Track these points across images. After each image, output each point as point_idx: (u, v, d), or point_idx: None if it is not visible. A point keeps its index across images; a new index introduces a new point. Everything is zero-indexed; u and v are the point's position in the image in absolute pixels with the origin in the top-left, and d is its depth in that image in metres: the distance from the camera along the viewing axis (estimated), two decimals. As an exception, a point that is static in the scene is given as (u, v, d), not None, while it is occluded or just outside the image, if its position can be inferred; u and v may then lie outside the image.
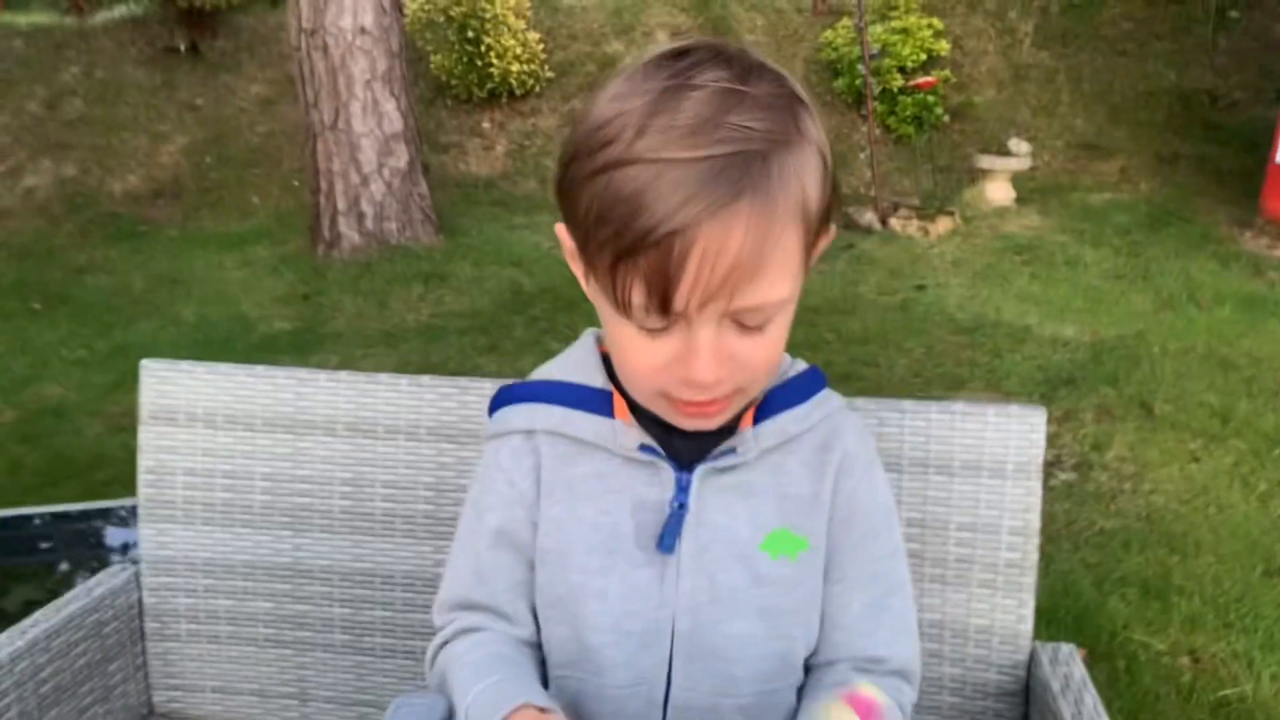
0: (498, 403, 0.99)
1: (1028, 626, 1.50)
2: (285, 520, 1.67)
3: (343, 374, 1.64)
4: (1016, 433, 1.46)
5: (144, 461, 1.69)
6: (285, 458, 1.66)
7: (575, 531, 0.90)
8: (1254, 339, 4.49)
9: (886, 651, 0.91)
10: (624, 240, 0.75)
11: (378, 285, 5.88)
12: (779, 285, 0.78)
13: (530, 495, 0.93)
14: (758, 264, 0.75)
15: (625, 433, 0.90)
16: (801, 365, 0.97)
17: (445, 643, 0.95)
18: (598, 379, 0.94)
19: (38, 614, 1.56)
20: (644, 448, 0.90)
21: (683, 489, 0.89)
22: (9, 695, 1.46)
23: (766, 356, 0.82)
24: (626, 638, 0.88)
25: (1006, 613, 1.49)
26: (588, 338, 0.98)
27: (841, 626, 0.92)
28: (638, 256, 0.75)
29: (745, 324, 0.79)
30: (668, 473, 0.89)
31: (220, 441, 1.68)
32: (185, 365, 1.69)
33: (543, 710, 0.80)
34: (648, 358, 0.81)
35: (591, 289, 0.85)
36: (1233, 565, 2.83)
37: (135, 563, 1.73)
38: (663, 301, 0.76)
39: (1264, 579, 2.77)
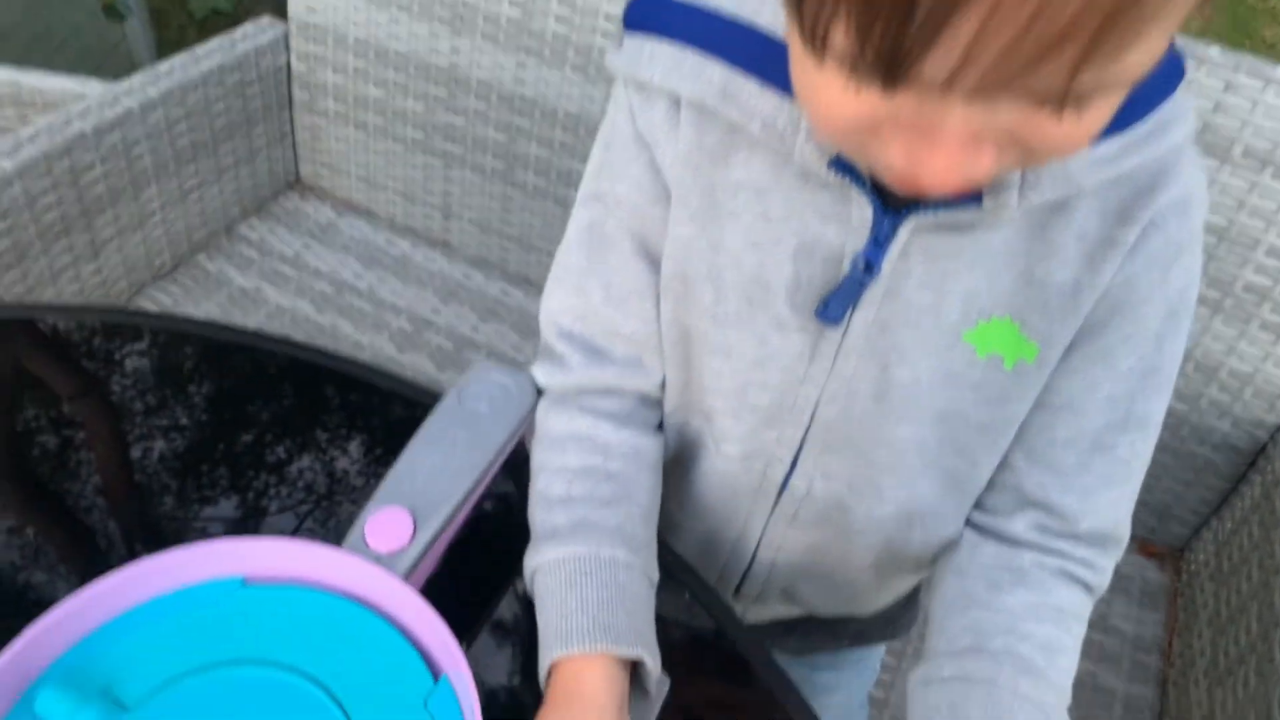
0: (637, 18, 0.59)
1: (1299, 389, 1.19)
2: (446, 16, 1.41)
3: None
4: None
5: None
6: (454, -62, 1.36)
7: (706, 261, 0.60)
8: None
9: (1081, 506, 0.61)
10: None
11: None
12: (1155, 44, 0.37)
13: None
14: (1138, 7, 0.34)
15: (814, 131, 0.54)
16: None
17: (548, 389, 0.68)
18: None
19: (174, 60, 1.41)
20: (836, 163, 0.54)
21: (879, 242, 0.56)
22: (140, 145, 1.37)
23: (1072, 146, 0.43)
24: (748, 411, 0.64)
25: (1280, 366, 1.17)
26: None
27: (1032, 454, 0.62)
28: None
29: (1059, 99, 0.38)
30: (863, 210, 0.55)
31: (382, -101, 1.38)
32: None
33: (632, 661, 0.57)
34: (840, 114, 0.43)
35: None
36: None
37: (283, 21, 1.53)
38: (891, 60, 0.37)
39: None
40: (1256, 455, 1.24)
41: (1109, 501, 0.62)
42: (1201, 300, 1.17)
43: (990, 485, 0.65)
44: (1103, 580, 0.63)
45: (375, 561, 0.56)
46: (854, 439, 0.63)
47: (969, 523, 0.66)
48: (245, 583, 0.57)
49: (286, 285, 1.51)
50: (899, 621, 0.92)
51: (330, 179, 1.67)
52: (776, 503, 0.68)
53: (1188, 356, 1.22)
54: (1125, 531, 0.63)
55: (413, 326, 1.49)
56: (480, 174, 1.53)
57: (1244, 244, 1.12)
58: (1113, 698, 1.19)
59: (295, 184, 1.70)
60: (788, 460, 0.65)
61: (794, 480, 0.66)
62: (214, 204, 1.54)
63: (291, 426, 0.74)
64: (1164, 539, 1.36)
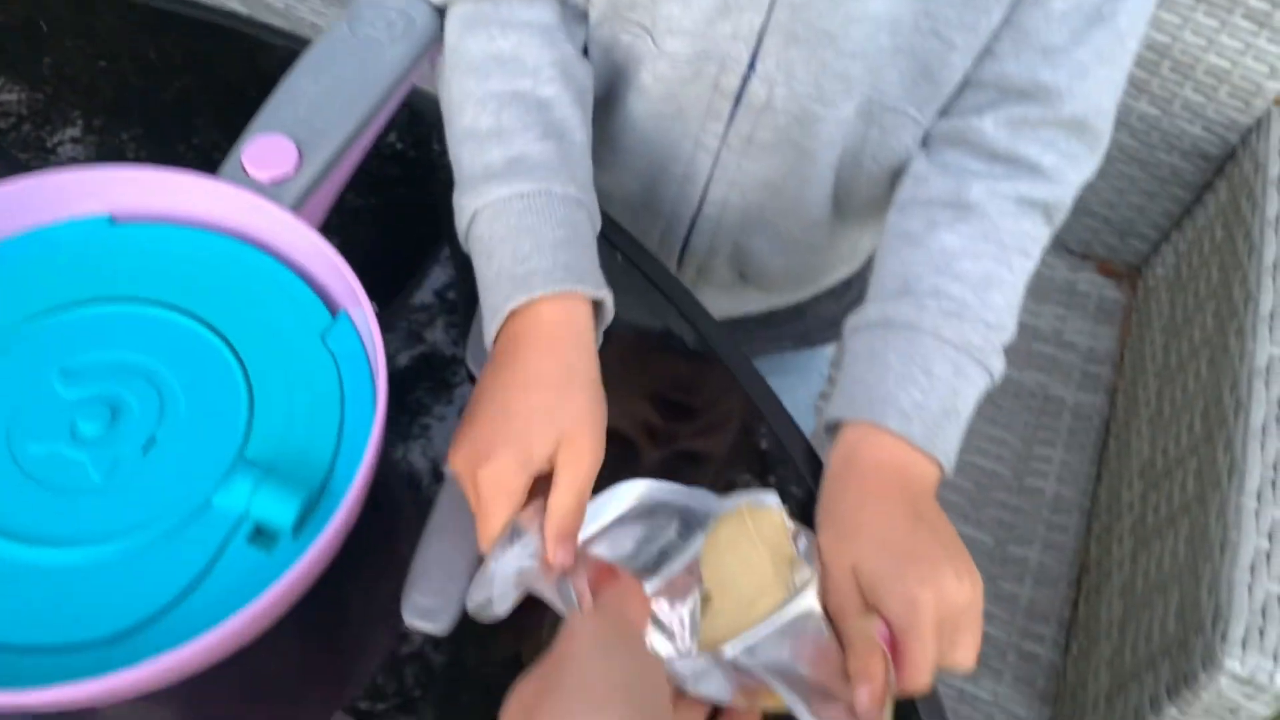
0: None
1: (1278, 85, 1.12)
2: None
3: None
4: None
5: None
6: None
7: None
8: None
9: (1070, 84, 0.55)
10: None
11: None
12: None
13: None
14: None
15: None
16: None
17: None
18: None
19: None
20: None
21: None
22: None
23: None
24: None
25: (1260, 60, 1.11)
26: None
27: (1021, 36, 0.56)
28: None
29: None
30: None
31: None
32: None
33: (595, 302, 0.52)
34: None
35: None
36: None
37: None
38: None
39: None
40: (1225, 161, 1.19)
41: (1098, 82, 0.56)
42: (1184, -13, 1.09)
43: (965, 84, 0.59)
44: (1063, 196, 0.58)
45: (257, 191, 0.49)
46: (821, 24, 0.56)
47: (928, 146, 0.61)
48: (113, 221, 0.51)
49: None
50: (842, 323, 0.89)
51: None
52: (730, 121, 0.61)
53: (1164, 55, 1.15)
54: (1106, 128, 0.59)
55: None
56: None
57: (1236, -84, 1.02)
58: (1062, 406, 1.19)
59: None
60: (745, 60, 0.58)
61: (752, 86, 0.59)
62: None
63: (170, 70, 0.66)
64: (1123, 257, 1.34)
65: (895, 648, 0.45)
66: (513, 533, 0.46)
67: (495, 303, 0.51)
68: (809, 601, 0.46)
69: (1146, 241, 1.31)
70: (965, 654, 0.46)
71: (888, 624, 0.45)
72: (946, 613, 0.45)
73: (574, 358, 0.50)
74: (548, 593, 0.46)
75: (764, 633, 0.45)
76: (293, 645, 0.47)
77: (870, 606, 0.46)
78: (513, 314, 0.50)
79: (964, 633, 0.46)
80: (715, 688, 0.42)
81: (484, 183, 0.53)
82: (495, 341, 0.51)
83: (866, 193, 0.65)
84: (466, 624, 0.46)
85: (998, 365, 0.55)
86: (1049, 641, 1.04)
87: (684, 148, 0.64)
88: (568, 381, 0.49)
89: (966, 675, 0.46)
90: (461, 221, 0.54)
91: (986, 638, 1.08)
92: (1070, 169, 0.58)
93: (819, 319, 0.87)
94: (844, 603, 0.47)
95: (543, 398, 0.48)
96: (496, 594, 0.46)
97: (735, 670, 0.42)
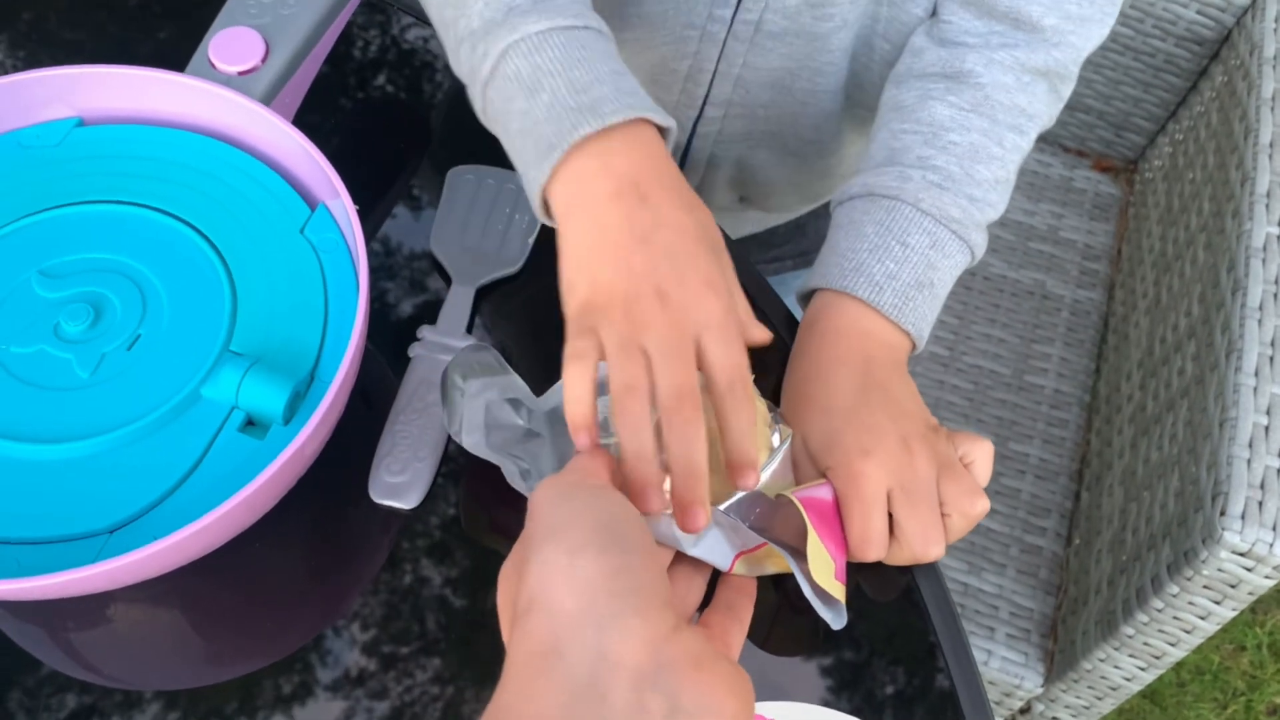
0: None
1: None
2: None
3: None
4: None
5: None
6: None
7: None
8: None
9: None
10: None
11: None
12: None
13: None
14: None
15: None
16: None
17: None
18: None
19: None
20: None
21: None
22: None
23: None
24: None
25: (1254, -65, 1.08)
26: None
27: None
28: None
29: None
30: None
31: None
32: None
33: (662, 129, 0.46)
34: None
35: None
36: None
37: None
38: None
39: None
40: (1219, 45, 1.17)
41: None
42: None
43: None
44: (1066, 63, 0.56)
45: (226, 84, 0.48)
46: None
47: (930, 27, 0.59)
48: (82, 124, 0.50)
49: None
50: None
51: None
52: (738, 6, 0.59)
53: (1156, -63, 1.12)
54: (1083, 48, 0.57)
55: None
56: None
57: None
58: (1060, 304, 1.19)
59: None
60: None
61: None
62: None
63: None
64: (1119, 152, 1.32)
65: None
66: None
67: (550, 136, 0.44)
68: (775, 465, 0.47)
69: (1142, 134, 1.29)
70: (914, 526, 0.45)
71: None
72: (897, 483, 0.45)
73: (672, 205, 0.44)
74: (509, 466, 0.45)
75: (742, 494, 0.45)
76: (289, 539, 0.47)
77: (820, 475, 0.46)
78: (573, 153, 0.44)
79: (916, 505, 0.45)
80: (715, 551, 0.42)
81: (515, 17, 0.47)
82: (560, 180, 0.44)
83: (880, 77, 0.63)
84: (488, 569, 0.47)
85: (979, 241, 0.54)
86: (1051, 534, 1.04)
87: (689, 39, 0.62)
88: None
89: (932, 556, 0.46)
90: (484, 65, 0.47)
91: (989, 532, 1.09)
92: (1074, 33, 0.56)
93: (820, 235, 0.85)
94: (798, 473, 0.47)
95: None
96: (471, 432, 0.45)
97: (735, 532, 0.42)
